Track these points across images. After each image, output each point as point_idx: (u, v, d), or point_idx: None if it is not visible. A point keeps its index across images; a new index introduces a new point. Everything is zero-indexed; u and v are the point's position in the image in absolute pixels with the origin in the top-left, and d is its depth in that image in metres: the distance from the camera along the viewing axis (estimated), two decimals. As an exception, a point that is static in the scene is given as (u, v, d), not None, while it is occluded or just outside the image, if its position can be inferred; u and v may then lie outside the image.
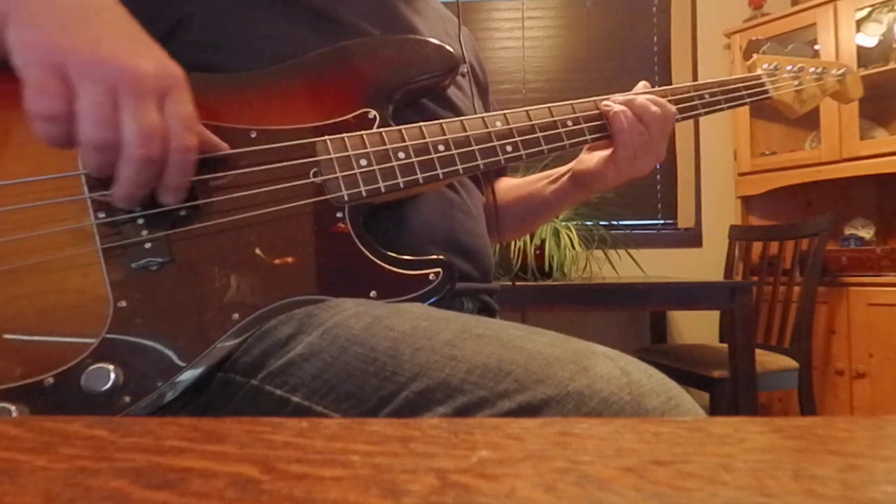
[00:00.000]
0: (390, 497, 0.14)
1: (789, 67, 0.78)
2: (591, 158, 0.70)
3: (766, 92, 0.75)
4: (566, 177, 0.75)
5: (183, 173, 0.44)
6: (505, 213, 0.79)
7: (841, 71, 0.81)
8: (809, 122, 2.10)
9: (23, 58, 0.39)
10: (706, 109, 0.70)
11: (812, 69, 0.80)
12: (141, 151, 0.40)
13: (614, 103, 0.64)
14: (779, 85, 0.77)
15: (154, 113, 0.41)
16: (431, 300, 0.51)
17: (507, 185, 0.82)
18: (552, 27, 2.60)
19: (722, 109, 0.71)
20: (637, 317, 2.49)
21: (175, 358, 0.43)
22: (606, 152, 0.68)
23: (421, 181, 0.52)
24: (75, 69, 0.39)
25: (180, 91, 0.43)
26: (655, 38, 2.57)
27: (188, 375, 0.43)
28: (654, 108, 0.64)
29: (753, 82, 0.75)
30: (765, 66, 0.77)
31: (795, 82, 0.78)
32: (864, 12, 2.13)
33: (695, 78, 2.51)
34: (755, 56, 0.79)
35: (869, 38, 2.19)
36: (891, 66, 2.09)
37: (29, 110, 0.39)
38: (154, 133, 0.41)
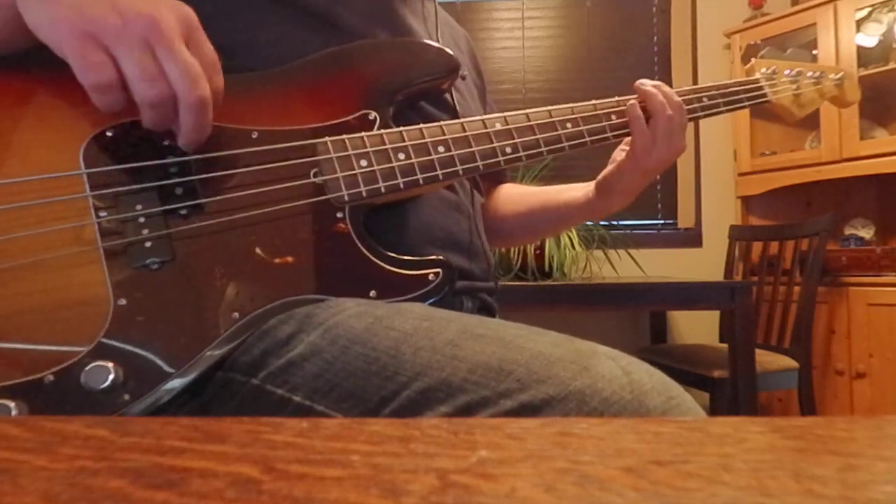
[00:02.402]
0: (390, 497, 0.14)
1: (787, 72, 0.78)
2: (611, 162, 0.72)
3: (764, 96, 0.75)
4: (590, 185, 0.75)
5: (211, 113, 0.45)
6: (516, 220, 0.80)
7: (839, 75, 0.81)
8: (809, 122, 2.10)
9: (55, 35, 0.40)
10: (705, 113, 0.71)
11: (810, 73, 0.80)
12: (196, 93, 0.42)
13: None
14: (777, 89, 0.77)
15: (189, 54, 0.42)
16: (431, 300, 0.51)
17: (519, 192, 0.83)
18: (552, 27, 2.60)
19: (721, 113, 0.72)
20: (637, 317, 2.49)
21: (175, 356, 0.43)
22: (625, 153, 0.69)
23: (421, 182, 0.53)
24: (108, 34, 0.40)
25: (199, 32, 0.44)
26: (655, 38, 2.57)
27: (188, 374, 0.43)
28: (660, 96, 0.66)
29: (752, 86, 0.75)
30: (763, 69, 0.78)
31: (793, 86, 0.78)
32: (864, 12, 2.13)
33: (695, 78, 2.51)
34: (753, 60, 0.79)
35: (869, 38, 2.19)
36: (891, 66, 2.08)
37: (84, 84, 0.40)
38: (199, 73, 0.42)
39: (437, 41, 0.68)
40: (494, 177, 0.85)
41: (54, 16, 0.40)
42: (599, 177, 0.73)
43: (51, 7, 0.40)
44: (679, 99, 0.67)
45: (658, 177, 2.50)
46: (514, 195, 0.83)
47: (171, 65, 0.41)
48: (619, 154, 0.71)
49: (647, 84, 0.66)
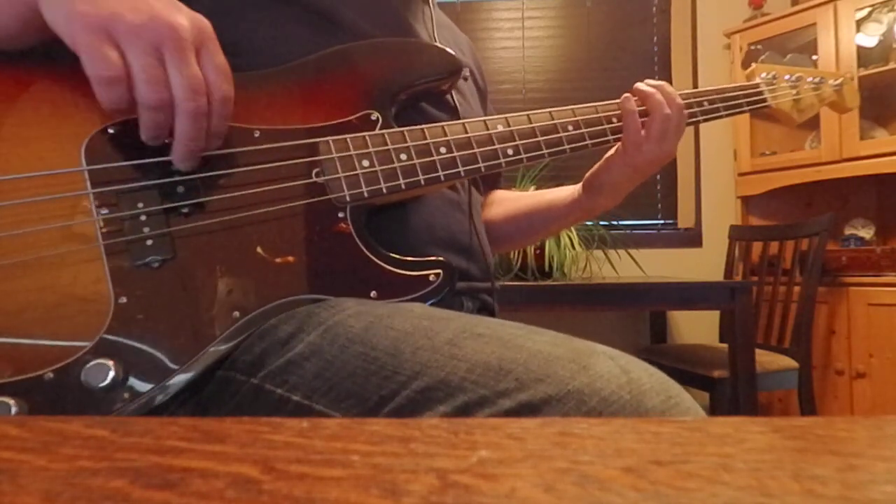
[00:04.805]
0: (390, 497, 0.14)
1: (787, 77, 0.79)
2: (601, 161, 0.72)
3: (764, 101, 0.76)
4: (577, 186, 0.75)
5: (224, 120, 0.46)
6: (505, 225, 0.80)
7: (838, 81, 0.82)
8: (809, 122, 2.09)
9: (72, 28, 0.41)
10: (705, 117, 0.71)
11: (810, 79, 0.80)
12: (192, 104, 0.43)
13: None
14: (777, 94, 0.77)
15: (195, 66, 0.43)
16: (431, 301, 0.51)
17: (508, 197, 0.83)
18: (552, 27, 2.60)
19: (721, 117, 0.72)
20: (637, 317, 2.49)
21: (175, 354, 0.43)
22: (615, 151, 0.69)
23: (422, 182, 0.53)
24: (122, 33, 0.41)
25: (213, 42, 0.45)
26: (655, 38, 2.57)
27: (188, 372, 0.44)
28: (658, 95, 0.66)
29: (752, 91, 0.75)
30: (763, 74, 0.78)
31: (793, 91, 0.79)
32: (864, 12, 2.13)
33: (695, 78, 2.51)
34: (754, 65, 0.80)
35: (869, 38, 2.19)
36: (891, 66, 2.08)
37: (90, 76, 0.41)
38: (200, 86, 0.43)
39: (439, 41, 0.68)
40: (489, 182, 0.85)
41: (73, 9, 0.41)
42: (588, 174, 0.73)
43: (70, 3, 0.41)
44: (681, 101, 0.67)
45: (658, 177, 2.51)
46: (503, 200, 0.83)
47: (176, 73, 0.42)
48: (611, 152, 0.71)
49: (643, 85, 0.66)
